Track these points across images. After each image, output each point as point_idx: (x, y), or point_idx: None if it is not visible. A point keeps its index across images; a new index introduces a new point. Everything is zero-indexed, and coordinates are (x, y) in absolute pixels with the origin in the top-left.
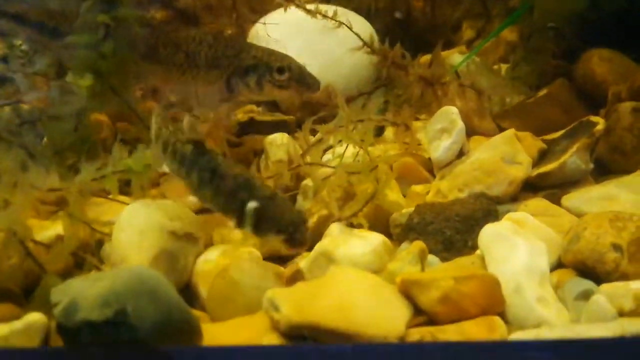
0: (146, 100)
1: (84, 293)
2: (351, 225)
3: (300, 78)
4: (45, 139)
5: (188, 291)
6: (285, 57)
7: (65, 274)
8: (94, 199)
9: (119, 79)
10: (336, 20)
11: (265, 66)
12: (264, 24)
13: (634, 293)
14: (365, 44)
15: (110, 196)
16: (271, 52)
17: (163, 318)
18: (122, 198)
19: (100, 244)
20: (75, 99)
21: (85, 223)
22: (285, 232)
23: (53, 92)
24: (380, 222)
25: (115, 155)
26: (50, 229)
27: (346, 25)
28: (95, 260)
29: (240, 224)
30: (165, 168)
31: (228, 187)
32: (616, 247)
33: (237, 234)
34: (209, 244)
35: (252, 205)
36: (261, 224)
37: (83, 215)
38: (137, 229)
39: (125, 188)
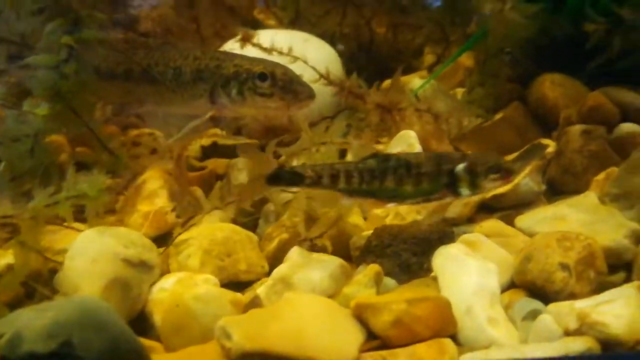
0: (109, 123)
1: (30, 324)
2: (314, 247)
3: (285, 85)
4: (2, 164)
5: (142, 320)
6: (272, 63)
7: (16, 304)
8: (49, 226)
9: (80, 100)
10: (291, 56)
11: (246, 73)
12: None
13: (578, 312)
14: (321, 76)
15: (66, 223)
16: (255, 59)
17: (110, 349)
18: (78, 225)
19: (53, 273)
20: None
21: (37, 251)
22: (497, 169)
23: (8, 120)
24: (341, 245)
25: (69, 180)
26: (2, 258)
27: (301, 60)
28: (46, 290)
29: (456, 191)
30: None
31: (429, 169)
32: (564, 267)
33: (194, 260)
34: (165, 272)
35: (460, 167)
36: (474, 179)
37: (36, 243)
38: (89, 257)
39: (82, 215)
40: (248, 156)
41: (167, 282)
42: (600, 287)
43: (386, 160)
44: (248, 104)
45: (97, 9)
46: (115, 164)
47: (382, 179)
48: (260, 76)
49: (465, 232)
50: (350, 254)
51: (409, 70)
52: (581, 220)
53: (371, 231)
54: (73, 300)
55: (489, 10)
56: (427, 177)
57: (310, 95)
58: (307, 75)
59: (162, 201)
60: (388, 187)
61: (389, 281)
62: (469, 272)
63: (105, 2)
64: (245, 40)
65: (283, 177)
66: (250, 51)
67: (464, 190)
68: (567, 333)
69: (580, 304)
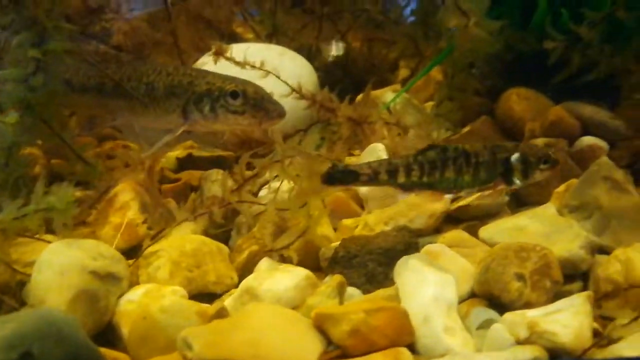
0: (82, 133)
1: None
2: (282, 258)
3: (256, 103)
4: None
5: (110, 332)
6: (243, 82)
7: None
8: (19, 239)
9: (50, 112)
10: (264, 70)
11: (219, 90)
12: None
13: (528, 321)
14: (293, 90)
15: (37, 235)
16: (227, 78)
17: None
18: (49, 237)
19: (22, 285)
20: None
21: (6, 264)
22: (547, 160)
23: None
24: (310, 256)
25: (38, 192)
26: None
27: (274, 74)
28: (13, 302)
29: (509, 180)
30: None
31: (486, 158)
32: (519, 277)
33: (163, 272)
34: (135, 283)
35: (515, 156)
36: (527, 168)
37: (5, 255)
38: (56, 269)
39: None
40: (303, 157)
41: (135, 294)
42: (557, 296)
43: (445, 151)
44: (220, 121)
45: (69, 21)
46: (90, 175)
47: (443, 170)
48: (232, 94)
49: (430, 243)
50: (320, 264)
51: (384, 83)
52: (540, 231)
53: (339, 242)
54: (35, 312)
55: (454, 26)
56: (485, 167)
57: (281, 113)
58: (280, 89)
59: (133, 213)
60: (448, 178)
61: (354, 291)
62: (427, 283)
63: (78, 15)
64: (219, 54)
65: (337, 176)
66: (223, 64)
67: (517, 180)
68: (519, 342)
69: (532, 313)
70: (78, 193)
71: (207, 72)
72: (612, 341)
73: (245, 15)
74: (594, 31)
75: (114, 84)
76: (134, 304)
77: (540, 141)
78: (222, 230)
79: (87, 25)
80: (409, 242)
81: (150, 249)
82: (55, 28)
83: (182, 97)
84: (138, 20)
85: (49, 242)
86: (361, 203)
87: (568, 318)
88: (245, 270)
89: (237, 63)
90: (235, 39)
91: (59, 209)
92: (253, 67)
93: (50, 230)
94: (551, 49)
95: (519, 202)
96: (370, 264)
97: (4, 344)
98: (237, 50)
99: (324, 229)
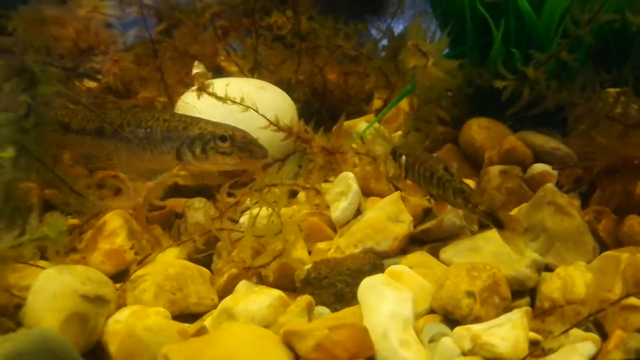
0: (76, 166)
1: None
2: (259, 278)
3: (243, 145)
4: None
5: (99, 350)
6: (231, 128)
7: None
8: (16, 265)
9: (44, 150)
10: (244, 105)
11: (210, 134)
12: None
13: (472, 334)
14: (271, 122)
15: (32, 262)
16: (217, 124)
17: None
18: (43, 263)
19: (18, 307)
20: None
21: (4, 288)
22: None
23: None
24: (286, 278)
25: (32, 223)
26: None
27: (252, 109)
28: (10, 323)
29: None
30: None
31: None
32: (469, 294)
33: (148, 295)
34: (122, 305)
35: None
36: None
37: (3, 280)
38: (50, 293)
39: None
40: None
41: (122, 315)
42: (505, 311)
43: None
44: (210, 161)
45: (58, 64)
46: (82, 206)
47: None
48: (222, 138)
49: (395, 264)
50: (295, 285)
51: (359, 113)
52: (492, 252)
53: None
54: (31, 333)
55: (414, 66)
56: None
57: (264, 154)
58: (259, 122)
59: (121, 240)
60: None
61: (324, 310)
62: (385, 300)
63: (70, 54)
64: (201, 90)
65: None
66: (205, 99)
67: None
68: (464, 353)
69: (477, 328)
70: (71, 221)
71: (199, 119)
72: (547, 352)
73: (228, 51)
74: (540, 70)
75: (114, 128)
76: (120, 324)
77: (496, 168)
78: (204, 254)
79: (78, 64)
80: (375, 263)
81: (137, 273)
82: (42, 72)
83: (177, 141)
84: (126, 61)
85: (43, 267)
86: (334, 227)
87: (506, 331)
88: (225, 291)
89: (219, 98)
90: (220, 72)
91: (52, 238)
92: (234, 102)
93: (44, 257)
94: (502, 87)
95: (480, 224)
96: (339, 284)
97: None
98: (218, 85)
99: (300, 252)
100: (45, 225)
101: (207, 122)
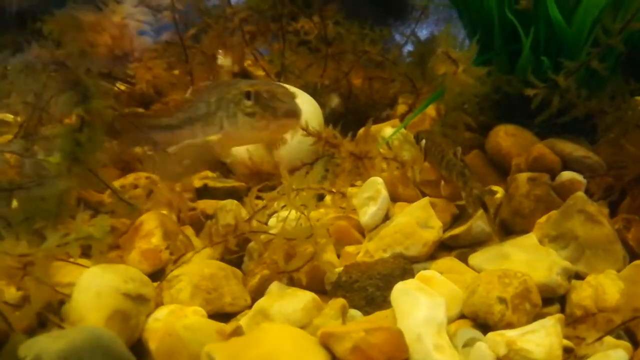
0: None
1: (47, 349)
2: (291, 281)
3: (265, 103)
4: (14, 203)
5: (139, 347)
6: (264, 83)
7: (30, 332)
8: (56, 262)
9: (95, 162)
10: None
11: (239, 94)
12: None
13: (507, 340)
14: (301, 127)
15: (72, 259)
16: (256, 81)
17: None
18: (82, 261)
19: (61, 303)
20: (52, 180)
21: (49, 285)
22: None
23: (27, 169)
24: (317, 280)
25: (78, 223)
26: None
27: None
28: (56, 319)
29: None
30: None
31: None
32: (501, 300)
33: (185, 294)
34: (159, 304)
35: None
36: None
37: (48, 278)
38: (94, 291)
39: (86, 250)
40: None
41: (161, 313)
42: (536, 318)
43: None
44: (240, 127)
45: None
46: (131, 214)
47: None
48: (247, 95)
49: (425, 269)
50: (325, 288)
51: (384, 119)
52: (522, 259)
53: (342, 268)
54: (83, 329)
55: (443, 72)
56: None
57: (291, 111)
58: None
59: (156, 240)
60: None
61: (356, 313)
62: (419, 306)
63: (106, 60)
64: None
65: None
66: None
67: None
68: (498, 358)
69: (511, 333)
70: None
71: (242, 80)
72: (580, 359)
73: (255, 55)
74: (571, 79)
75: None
76: (160, 322)
77: (524, 175)
78: (236, 255)
79: (112, 69)
80: (405, 268)
81: (173, 273)
82: (95, 86)
83: (222, 108)
84: (159, 68)
85: (83, 265)
86: (362, 231)
87: (541, 338)
88: (258, 292)
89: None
90: (247, 76)
91: (97, 237)
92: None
93: (84, 254)
94: (532, 95)
95: (507, 231)
96: (370, 288)
97: (59, 356)
98: None
99: (329, 255)
100: (91, 225)
101: (251, 81)
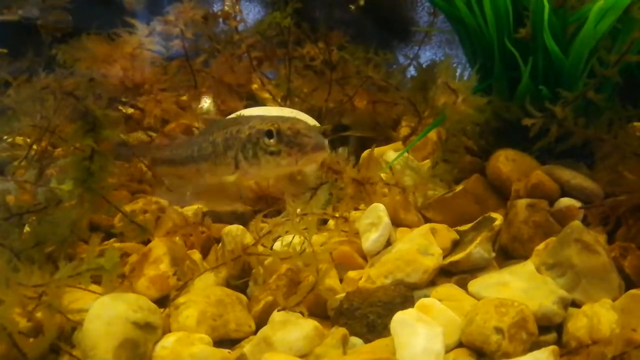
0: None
1: None
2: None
3: (289, 140)
4: (26, 228)
5: None
6: (283, 119)
7: (42, 359)
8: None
9: (107, 189)
10: None
11: (257, 133)
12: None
13: None
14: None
15: (82, 286)
16: (268, 118)
17: None
18: (93, 287)
19: (73, 330)
20: (65, 207)
21: (61, 313)
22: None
23: (39, 195)
24: (319, 306)
25: (90, 254)
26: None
27: None
28: (68, 348)
29: None
30: None
31: None
32: (498, 330)
33: (191, 321)
34: (167, 330)
35: None
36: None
37: (60, 306)
38: (105, 320)
39: (96, 277)
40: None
41: (168, 341)
42: (533, 347)
43: None
44: (263, 165)
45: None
46: (141, 236)
47: None
48: (267, 134)
49: (425, 295)
50: (328, 313)
51: (387, 140)
52: (520, 287)
53: (344, 294)
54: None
55: (443, 102)
56: None
57: (318, 145)
58: None
59: (164, 266)
60: None
61: (357, 340)
62: (418, 335)
63: (117, 91)
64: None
65: None
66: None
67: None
68: None
69: None
70: (117, 244)
71: (252, 117)
72: None
73: (262, 80)
74: (568, 108)
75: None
76: (167, 350)
77: (523, 202)
78: (242, 281)
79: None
80: (406, 295)
81: (180, 299)
82: (104, 116)
83: (234, 148)
84: (169, 102)
85: (94, 292)
86: (364, 256)
87: None
88: (262, 319)
89: None
90: (254, 98)
91: (107, 268)
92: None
93: (94, 281)
94: (530, 124)
95: (507, 256)
96: (371, 316)
97: None
98: (253, 112)
99: (331, 281)
100: (101, 257)
101: (260, 118)
